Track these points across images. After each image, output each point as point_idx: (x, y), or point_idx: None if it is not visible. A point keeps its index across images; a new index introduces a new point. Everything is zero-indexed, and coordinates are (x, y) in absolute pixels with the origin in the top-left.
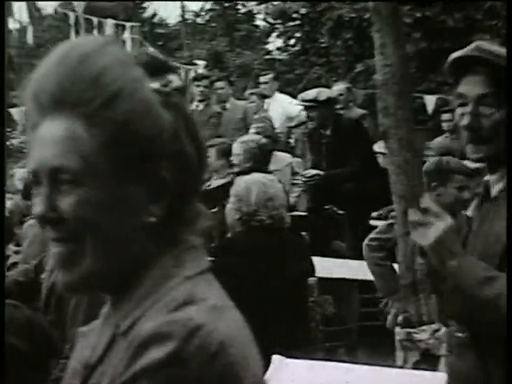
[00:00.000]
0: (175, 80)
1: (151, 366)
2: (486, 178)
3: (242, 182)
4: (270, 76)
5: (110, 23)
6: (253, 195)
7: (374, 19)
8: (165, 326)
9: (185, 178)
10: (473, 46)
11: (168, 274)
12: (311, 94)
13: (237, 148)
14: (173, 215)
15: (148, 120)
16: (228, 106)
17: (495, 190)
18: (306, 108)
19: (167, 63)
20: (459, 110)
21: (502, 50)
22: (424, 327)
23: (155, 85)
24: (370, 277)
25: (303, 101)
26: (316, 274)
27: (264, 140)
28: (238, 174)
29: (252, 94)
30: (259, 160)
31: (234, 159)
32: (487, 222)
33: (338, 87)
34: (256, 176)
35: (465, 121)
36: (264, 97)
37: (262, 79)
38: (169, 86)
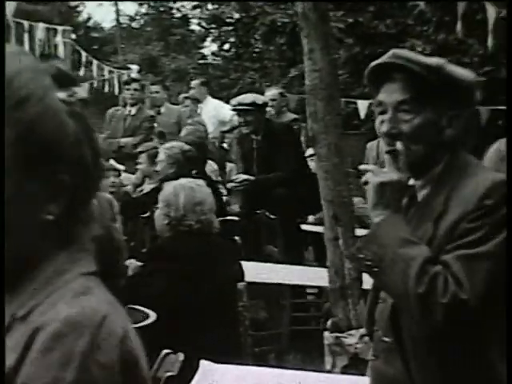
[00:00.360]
0: (80, 92)
1: (71, 355)
2: (412, 182)
3: (170, 187)
4: (198, 81)
5: (41, 27)
6: (181, 200)
7: (301, 25)
8: (75, 316)
9: (82, 182)
10: (390, 53)
11: (62, 269)
12: (248, 98)
13: (161, 154)
14: (69, 216)
15: (53, 125)
16: (163, 110)
17: (421, 194)
18: (242, 112)
19: (73, 76)
20: (379, 118)
21: (419, 57)
22: (352, 331)
23: (62, 95)
24: (301, 281)
25: (240, 105)
26: (248, 279)
27: (187, 147)
28: (168, 179)
29: (186, 98)
30: (182, 166)
31: (158, 165)
32: (411, 225)
33: (271, 92)
34: (184, 181)
35: (384, 128)
36: (197, 101)
37: (192, 84)
38: (74, 97)
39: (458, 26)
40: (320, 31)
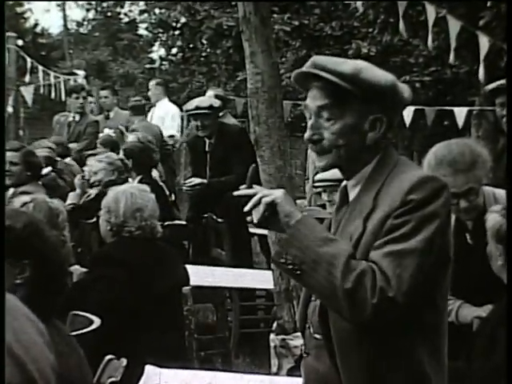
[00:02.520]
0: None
1: None
2: (344, 183)
3: (111, 192)
4: (154, 82)
5: None
6: (121, 206)
7: (243, 28)
8: None
9: None
10: (309, 61)
11: None
12: (206, 101)
13: (97, 164)
14: None
15: None
16: (112, 115)
17: (353, 194)
18: (199, 116)
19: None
20: (308, 123)
21: (336, 64)
22: (298, 333)
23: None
24: (248, 285)
25: (198, 108)
26: (196, 283)
27: (119, 156)
28: (112, 184)
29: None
30: (122, 173)
31: (98, 174)
32: (343, 224)
33: (209, 94)
34: (125, 186)
35: (306, 134)
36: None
37: (149, 85)
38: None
39: (401, 27)
40: (261, 34)
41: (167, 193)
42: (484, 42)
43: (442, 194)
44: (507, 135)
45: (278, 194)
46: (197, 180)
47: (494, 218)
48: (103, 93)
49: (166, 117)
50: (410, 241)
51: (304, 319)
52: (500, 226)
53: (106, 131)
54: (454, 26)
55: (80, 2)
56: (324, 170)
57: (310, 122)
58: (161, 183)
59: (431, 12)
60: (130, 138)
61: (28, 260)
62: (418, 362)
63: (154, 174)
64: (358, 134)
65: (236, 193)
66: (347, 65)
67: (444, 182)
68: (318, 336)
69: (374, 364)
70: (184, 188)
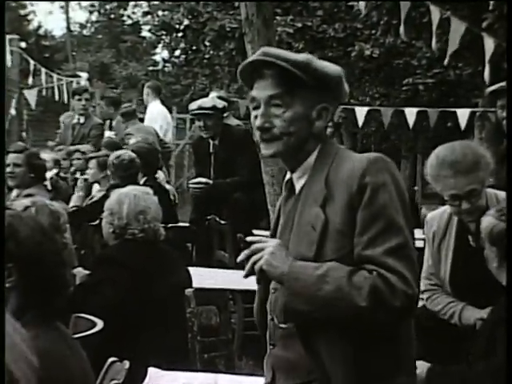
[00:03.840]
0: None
1: None
2: (289, 175)
3: (115, 195)
4: (146, 85)
5: None
6: (124, 209)
7: (245, 30)
8: None
9: None
10: (260, 51)
11: None
12: (209, 102)
13: (109, 162)
14: None
15: None
16: (114, 122)
17: (299, 185)
18: (202, 117)
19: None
20: (254, 113)
21: (288, 53)
22: None
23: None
24: (252, 286)
25: (201, 109)
26: (199, 285)
27: (133, 155)
28: (117, 186)
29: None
30: (130, 174)
31: (108, 172)
32: (297, 214)
33: (212, 95)
34: (129, 189)
35: (257, 122)
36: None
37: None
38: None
39: (401, 29)
40: (264, 36)
41: (173, 195)
42: (489, 44)
43: (392, 170)
44: (507, 136)
45: (267, 256)
46: (203, 179)
47: (487, 221)
48: (101, 103)
49: (156, 119)
50: (398, 236)
51: (263, 313)
52: (493, 227)
53: (107, 133)
54: (459, 27)
55: (83, 4)
56: (272, 157)
57: (260, 111)
58: (167, 186)
59: (435, 13)
60: (133, 140)
61: (11, 264)
62: (401, 346)
63: (160, 175)
64: (307, 122)
65: (238, 259)
66: (298, 55)
67: (390, 160)
68: (283, 326)
69: (359, 349)
70: (190, 187)
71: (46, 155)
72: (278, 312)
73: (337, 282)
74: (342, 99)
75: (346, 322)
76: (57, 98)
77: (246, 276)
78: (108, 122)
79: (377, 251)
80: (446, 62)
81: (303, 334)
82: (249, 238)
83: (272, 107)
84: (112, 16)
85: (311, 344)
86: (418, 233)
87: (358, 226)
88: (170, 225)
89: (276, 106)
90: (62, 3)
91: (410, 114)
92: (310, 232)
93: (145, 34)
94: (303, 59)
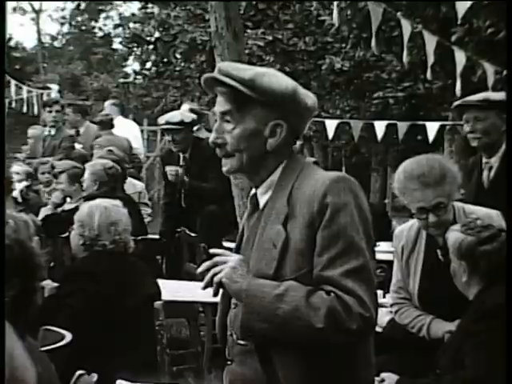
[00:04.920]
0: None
1: None
2: (253, 191)
3: (85, 207)
4: (108, 103)
5: None
6: (95, 220)
7: (215, 43)
8: None
9: None
10: (216, 67)
11: None
12: (176, 116)
13: (85, 172)
14: None
15: None
16: (82, 129)
17: (263, 201)
18: (171, 131)
19: None
20: (214, 127)
21: (238, 70)
22: None
23: None
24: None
25: (169, 124)
26: (168, 297)
27: (111, 163)
28: (88, 198)
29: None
30: (105, 183)
31: (84, 183)
32: (259, 230)
33: (184, 107)
34: (99, 201)
35: (211, 137)
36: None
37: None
38: None
39: (373, 43)
40: (234, 49)
41: (149, 207)
42: (460, 57)
43: (355, 190)
44: (507, 136)
45: (227, 270)
46: (180, 169)
47: (454, 235)
48: (68, 111)
49: (129, 131)
50: (359, 257)
51: (224, 327)
52: (461, 241)
53: (77, 146)
54: (431, 41)
55: (54, 16)
56: (228, 173)
57: (214, 126)
58: (144, 199)
59: (407, 27)
60: (97, 152)
61: None
62: (358, 370)
63: (139, 187)
64: (259, 140)
65: (198, 270)
66: (248, 71)
67: (353, 179)
68: (242, 342)
69: (314, 366)
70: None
71: (19, 167)
72: (237, 328)
73: (295, 302)
74: (303, 115)
75: (303, 342)
76: (25, 110)
77: (205, 287)
78: (74, 129)
79: (335, 272)
80: (429, 75)
81: (261, 351)
82: (212, 251)
83: (224, 123)
84: (83, 28)
85: (268, 362)
86: (387, 246)
87: (318, 246)
88: (140, 237)
89: (227, 122)
90: (33, 15)
91: (380, 127)
92: (271, 249)
93: (116, 46)
94: (250, 76)
